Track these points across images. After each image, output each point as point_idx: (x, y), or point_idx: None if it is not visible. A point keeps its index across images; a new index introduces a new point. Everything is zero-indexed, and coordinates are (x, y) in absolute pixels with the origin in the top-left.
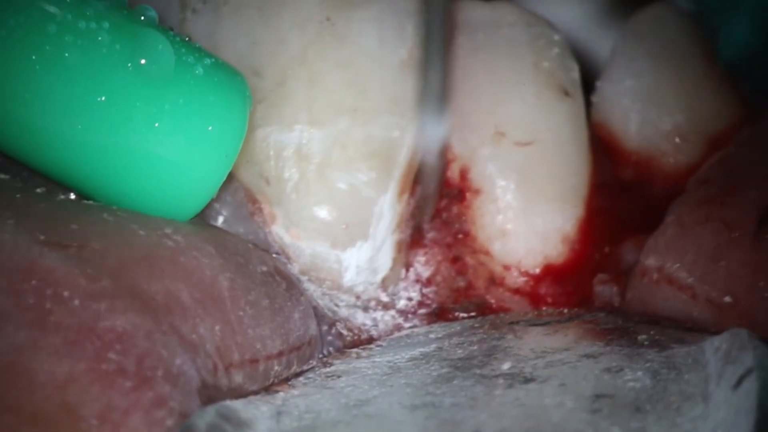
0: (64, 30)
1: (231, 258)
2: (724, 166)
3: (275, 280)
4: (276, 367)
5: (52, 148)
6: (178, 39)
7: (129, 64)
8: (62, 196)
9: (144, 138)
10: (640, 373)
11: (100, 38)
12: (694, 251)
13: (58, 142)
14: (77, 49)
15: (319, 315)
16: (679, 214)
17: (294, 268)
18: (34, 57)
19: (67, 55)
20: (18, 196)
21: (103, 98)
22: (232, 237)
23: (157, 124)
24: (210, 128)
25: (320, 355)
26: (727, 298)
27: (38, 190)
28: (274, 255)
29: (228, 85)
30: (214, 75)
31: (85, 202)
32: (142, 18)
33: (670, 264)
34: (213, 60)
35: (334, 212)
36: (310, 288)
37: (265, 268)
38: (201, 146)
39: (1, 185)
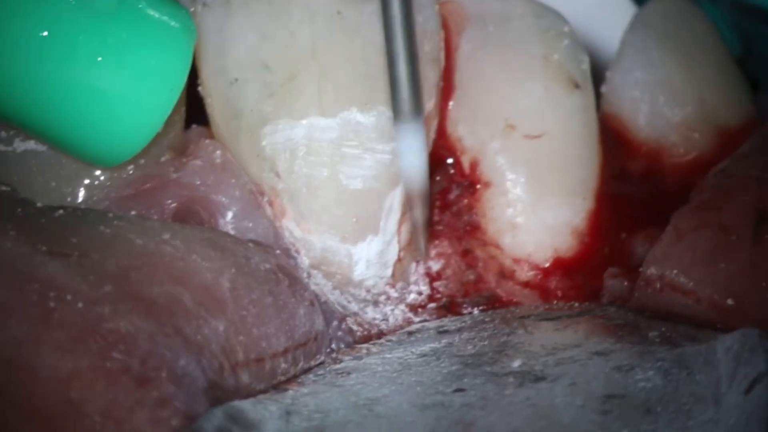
0: None
1: (232, 259)
2: (717, 175)
3: (278, 277)
4: (283, 365)
5: None
6: None
7: None
8: (61, 211)
9: (88, 72)
10: (651, 373)
11: None
12: (691, 256)
13: (2, 79)
14: None
15: (329, 310)
16: (675, 223)
17: (304, 262)
18: None
19: None
20: (19, 209)
21: (46, 33)
22: (232, 237)
23: (100, 59)
24: (153, 62)
25: (329, 350)
26: (730, 301)
27: (38, 205)
28: (278, 252)
29: (172, 18)
30: (158, 9)
31: (83, 215)
32: None
33: (669, 271)
34: None
35: (345, 206)
36: (321, 282)
37: (267, 266)
38: (145, 80)
39: (1, 199)
